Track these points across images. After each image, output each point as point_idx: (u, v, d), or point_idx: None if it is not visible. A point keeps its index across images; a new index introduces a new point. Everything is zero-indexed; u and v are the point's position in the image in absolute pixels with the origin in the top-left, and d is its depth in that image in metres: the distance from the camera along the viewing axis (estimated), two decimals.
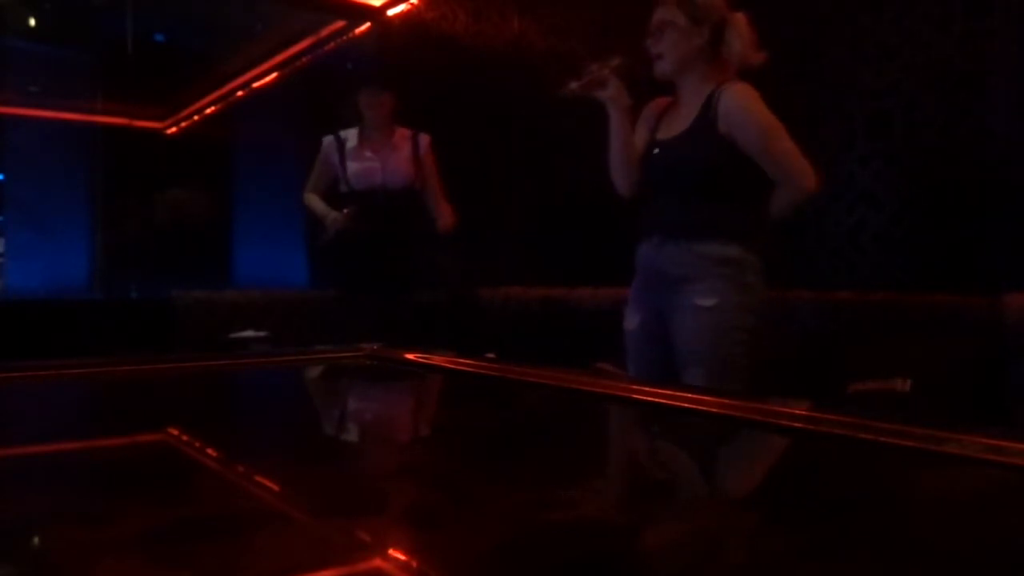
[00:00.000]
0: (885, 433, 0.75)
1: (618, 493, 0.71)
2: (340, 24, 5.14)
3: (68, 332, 4.07)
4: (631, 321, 2.10)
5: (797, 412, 0.83)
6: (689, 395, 0.96)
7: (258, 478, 0.72)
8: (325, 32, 5.30)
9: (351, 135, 3.14)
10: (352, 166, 3.10)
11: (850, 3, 2.54)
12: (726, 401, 0.94)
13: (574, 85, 1.98)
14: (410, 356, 1.44)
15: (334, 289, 3.41)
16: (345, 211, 3.05)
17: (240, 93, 6.31)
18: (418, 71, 4.33)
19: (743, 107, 1.89)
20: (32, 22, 6.22)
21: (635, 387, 1.06)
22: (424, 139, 3.18)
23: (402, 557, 0.51)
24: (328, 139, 3.17)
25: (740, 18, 1.95)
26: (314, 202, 3.17)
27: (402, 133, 3.17)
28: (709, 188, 1.93)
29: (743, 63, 1.95)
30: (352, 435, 1.03)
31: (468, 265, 3.68)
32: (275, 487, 0.68)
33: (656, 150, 2.03)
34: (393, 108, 3.14)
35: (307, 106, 5.60)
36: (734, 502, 0.69)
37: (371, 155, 3.11)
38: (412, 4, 4.60)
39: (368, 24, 4.91)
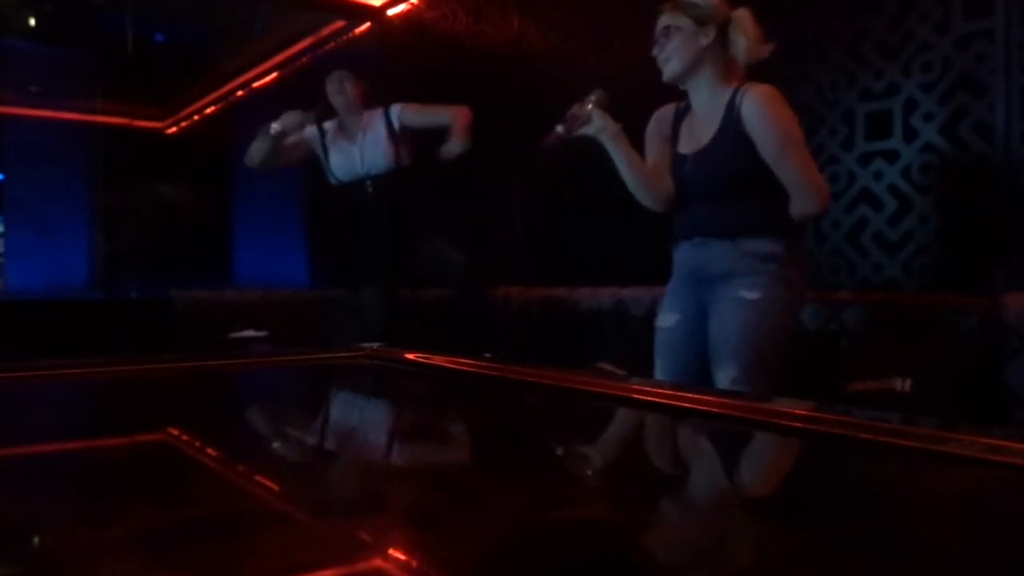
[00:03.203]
0: (885, 433, 0.75)
1: (618, 493, 0.71)
2: (340, 24, 5.13)
3: (68, 332, 4.06)
4: (667, 319, 2.07)
5: (797, 412, 0.83)
6: (689, 395, 0.96)
7: (258, 478, 0.72)
8: (325, 32, 5.29)
9: (331, 126, 3.13)
10: (334, 157, 3.09)
11: (850, 3, 2.54)
12: (726, 401, 0.94)
13: (560, 129, 1.97)
14: (410, 356, 1.44)
15: (336, 287, 3.40)
16: (304, 113, 2.99)
17: (240, 93, 6.31)
18: (418, 71, 4.33)
19: (764, 112, 1.86)
20: (32, 22, 6.21)
21: (635, 387, 1.06)
22: (395, 108, 3.11)
23: (402, 557, 0.51)
24: (311, 130, 3.14)
25: (744, 14, 1.93)
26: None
27: (372, 114, 3.12)
28: (748, 190, 1.90)
29: (751, 59, 1.93)
30: (352, 435, 1.03)
31: (471, 261, 3.67)
32: (275, 487, 0.68)
33: (687, 164, 2.00)
34: (362, 93, 3.10)
35: (307, 106, 5.59)
36: (734, 502, 0.69)
37: (347, 143, 3.09)
38: (412, 4, 4.60)
39: (368, 24, 4.91)
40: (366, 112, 3.12)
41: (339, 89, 3.06)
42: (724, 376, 1.88)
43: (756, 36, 1.93)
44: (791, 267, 1.91)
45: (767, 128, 1.86)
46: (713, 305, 1.95)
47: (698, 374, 1.97)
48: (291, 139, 3.09)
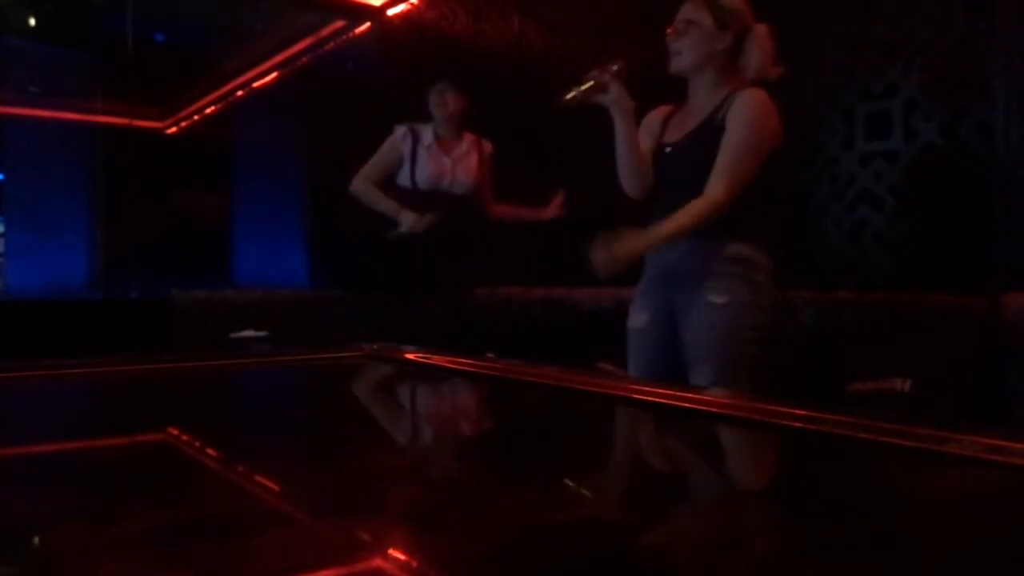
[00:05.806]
0: (885, 433, 0.75)
1: (618, 493, 0.71)
2: (340, 24, 5.14)
3: (68, 332, 4.07)
4: (638, 319, 2.08)
5: (797, 412, 0.83)
6: (689, 395, 0.96)
7: (258, 478, 0.72)
8: (325, 32, 5.30)
9: (426, 131, 3.07)
10: (423, 163, 3.04)
11: (850, 3, 2.54)
12: (726, 401, 0.94)
13: (576, 91, 1.97)
14: (410, 356, 1.44)
15: (344, 289, 3.39)
16: (426, 216, 2.97)
17: (240, 93, 6.32)
18: (418, 71, 4.33)
19: (747, 110, 1.88)
20: (32, 22, 6.21)
21: (635, 387, 1.06)
22: (487, 146, 3.16)
23: (402, 557, 0.51)
24: (402, 129, 3.08)
25: (763, 30, 1.94)
26: (375, 194, 3.06)
27: (470, 137, 3.14)
28: None
29: (760, 75, 1.94)
30: (352, 435, 1.03)
31: (470, 266, 3.68)
32: (275, 487, 0.68)
33: (667, 150, 2.02)
34: (462, 109, 3.09)
35: (307, 106, 5.60)
36: (734, 502, 0.69)
37: (443, 156, 3.06)
38: (412, 4, 4.60)
39: (368, 24, 4.92)
40: (465, 133, 3.13)
41: (441, 101, 3.06)
42: (700, 382, 1.88)
43: (770, 55, 1.94)
44: (757, 270, 1.91)
45: (742, 121, 1.87)
46: (682, 309, 1.95)
47: (673, 373, 1.97)
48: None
